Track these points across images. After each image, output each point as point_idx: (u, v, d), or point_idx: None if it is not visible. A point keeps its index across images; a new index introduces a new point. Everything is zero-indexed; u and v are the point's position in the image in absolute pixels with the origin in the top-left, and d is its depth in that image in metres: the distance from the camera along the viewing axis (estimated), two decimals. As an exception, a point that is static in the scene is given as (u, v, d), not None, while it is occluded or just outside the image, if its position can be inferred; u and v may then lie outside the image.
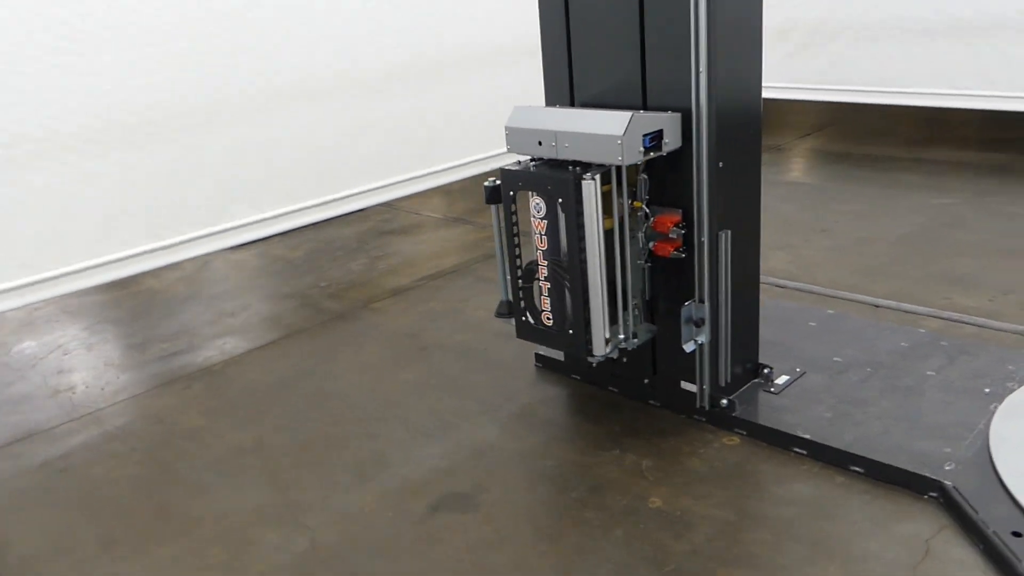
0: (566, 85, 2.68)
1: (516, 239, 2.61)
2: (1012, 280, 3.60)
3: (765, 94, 6.57)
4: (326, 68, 4.19)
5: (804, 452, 2.50)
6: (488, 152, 4.99)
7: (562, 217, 2.41)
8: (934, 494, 2.26)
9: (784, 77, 6.32)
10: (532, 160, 2.53)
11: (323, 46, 4.16)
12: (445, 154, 4.83)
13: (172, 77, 3.68)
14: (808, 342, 3.07)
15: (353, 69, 4.28)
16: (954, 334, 3.13)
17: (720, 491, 2.36)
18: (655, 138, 2.33)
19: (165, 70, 3.65)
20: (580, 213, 2.37)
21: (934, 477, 2.26)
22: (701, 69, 2.33)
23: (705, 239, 2.49)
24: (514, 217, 2.60)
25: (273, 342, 3.67)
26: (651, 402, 2.86)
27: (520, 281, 2.65)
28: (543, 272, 2.53)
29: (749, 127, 2.54)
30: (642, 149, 2.30)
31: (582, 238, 2.40)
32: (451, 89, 4.77)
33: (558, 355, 3.13)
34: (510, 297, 2.85)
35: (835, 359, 2.93)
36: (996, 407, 2.55)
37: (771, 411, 2.65)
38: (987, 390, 2.65)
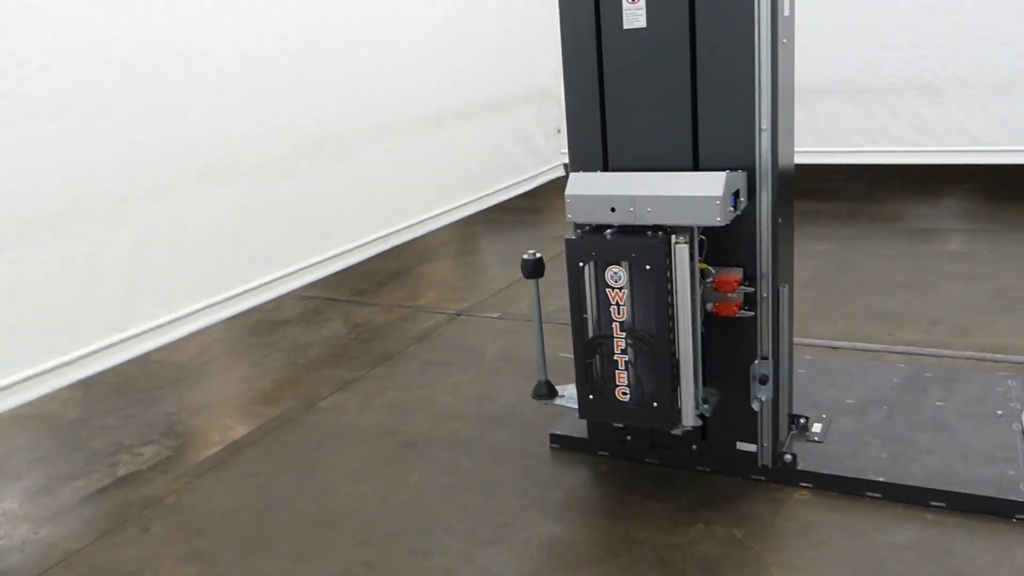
0: (598, 149, 2.58)
1: (584, 312, 2.44)
2: (930, 311, 3.94)
3: None
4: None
5: (879, 495, 2.52)
6: (387, 229, 4.74)
7: (649, 285, 2.28)
8: (1021, 516, 2.35)
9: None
10: (594, 228, 2.39)
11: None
12: (347, 233, 4.51)
13: (63, 164, 3.12)
14: (810, 387, 3.14)
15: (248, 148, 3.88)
16: (925, 365, 3.35)
17: (832, 552, 2.31)
18: (736, 197, 2.30)
19: (50, 157, 3.09)
20: (671, 279, 2.26)
21: (1019, 499, 2.36)
22: (764, 127, 2.34)
23: (768, 295, 2.47)
24: (588, 289, 2.42)
25: (223, 460, 3.15)
26: (699, 468, 2.76)
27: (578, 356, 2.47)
28: (619, 345, 2.38)
29: (791, 181, 2.59)
30: (731, 209, 2.25)
31: (672, 305, 2.28)
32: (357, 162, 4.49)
33: (581, 433, 2.96)
34: (548, 377, 2.66)
35: (847, 401, 3.02)
36: (1018, 427, 2.73)
37: (830, 459, 2.65)
38: (999, 412, 2.84)
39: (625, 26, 2.44)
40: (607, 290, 2.35)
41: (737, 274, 2.46)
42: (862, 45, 5.82)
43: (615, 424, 2.73)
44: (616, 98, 2.51)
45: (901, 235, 5.29)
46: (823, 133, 6.08)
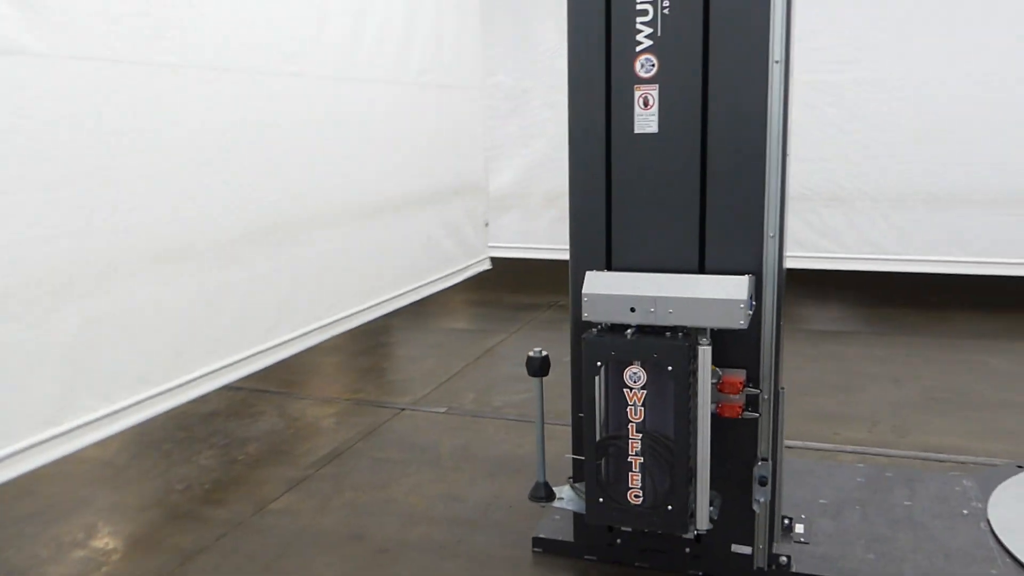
0: (602, 249, 2.60)
1: (604, 412, 2.39)
2: (867, 411, 4.12)
3: (534, 255, 6.94)
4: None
5: (875, 598, 2.55)
6: (323, 320, 4.57)
7: (670, 386, 2.28)
8: (1011, 616, 2.43)
9: (552, 239, 6.75)
10: (609, 327, 2.38)
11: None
12: (291, 323, 4.33)
13: (8, 242, 2.88)
14: (783, 488, 3.18)
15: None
16: (880, 464, 3.47)
17: (849, 655, 2.30)
18: (750, 300, 2.35)
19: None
20: (694, 381, 2.26)
21: (1008, 600, 2.44)
22: (772, 234, 2.43)
23: (769, 397, 2.51)
24: (601, 387, 2.39)
25: (172, 574, 2.86)
26: (692, 572, 2.72)
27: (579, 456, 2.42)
28: (634, 447, 2.34)
29: (784, 285, 2.67)
30: (749, 312, 2.30)
31: (692, 408, 2.28)
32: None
33: (566, 536, 2.87)
34: (546, 478, 2.59)
35: (821, 501, 3.08)
36: (984, 526, 2.85)
37: (821, 561, 2.68)
38: (964, 511, 2.96)
39: (636, 131, 2.50)
40: (624, 390, 2.32)
41: (741, 375, 2.49)
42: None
43: (622, 527, 2.66)
44: (623, 200, 2.55)
45: (819, 337, 5.55)
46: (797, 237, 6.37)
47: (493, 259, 6.63)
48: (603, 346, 2.33)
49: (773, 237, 2.43)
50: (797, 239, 6.21)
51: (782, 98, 2.37)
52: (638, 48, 2.46)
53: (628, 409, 2.33)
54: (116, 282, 3.23)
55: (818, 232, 6.19)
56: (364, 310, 4.92)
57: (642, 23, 2.44)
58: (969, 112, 5.64)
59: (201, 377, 3.67)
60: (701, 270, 2.50)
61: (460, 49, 6.00)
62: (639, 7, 2.43)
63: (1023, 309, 5.95)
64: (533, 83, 6.68)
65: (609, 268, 2.59)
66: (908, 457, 3.57)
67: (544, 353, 2.58)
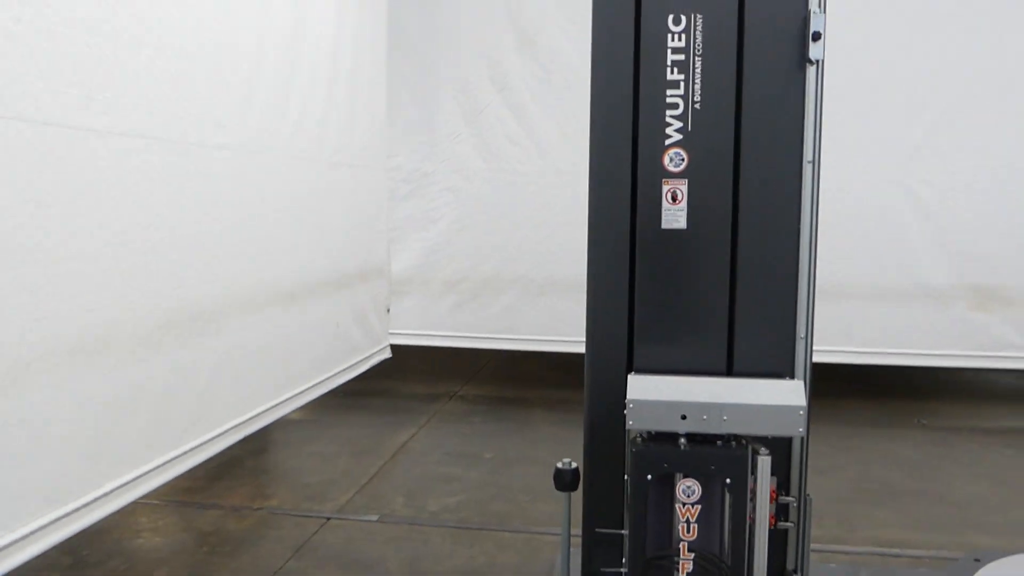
0: (623, 349, 2.45)
1: (644, 525, 2.19)
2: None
3: (434, 343, 6.71)
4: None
5: None
6: (229, 423, 4.11)
7: (727, 500, 2.12)
8: None
9: (453, 326, 6.54)
10: (654, 436, 2.21)
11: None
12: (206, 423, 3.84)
13: None
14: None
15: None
16: (844, 560, 3.45)
17: None
18: (796, 405, 2.26)
19: None
20: (754, 494, 2.12)
21: None
22: (802, 335, 2.37)
23: (800, 505, 2.41)
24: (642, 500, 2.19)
25: None
26: None
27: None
28: (685, 567, 2.15)
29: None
30: (806, 418, 2.20)
31: (752, 522, 2.13)
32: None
33: (572, 665, 2.60)
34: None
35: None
36: (976, 626, 2.86)
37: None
38: (949, 610, 2.96)
39: (663, 226, 2.39)
40: (678, 505, 2.14)
41: (773, 483, 2.37)
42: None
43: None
44: (649, 299, 2.42)
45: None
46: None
47: (392, 347, 6.32)
48: (655, 457, 2.15)
49: (804, 338, 2.36)
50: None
51: (813, 198, 2.34)
52: (667, 142, 2.37)
53: (681, 526, 2.14)
54: (25, 382, 2.72)
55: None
56: (277, 404, 4.48)
57: (672, 116, 2.36)
58: (853, 208, 6.00)
59: (114, 490, 3.14)
60: (729, 372, 2.38)
61: (369, 128, 5.79)
62: (669, 100, 2.35)
63: (906, 396, 6.30)
64: (434, 167, 6.54)
65: (630, 370, 2.43)
66: (866, 552, 3.57)
67: (575, 465, 2.35)
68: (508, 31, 6.34)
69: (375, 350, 6.01)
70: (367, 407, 5.91)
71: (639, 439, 2.22)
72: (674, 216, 2.38)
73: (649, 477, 2.16)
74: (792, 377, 2.35)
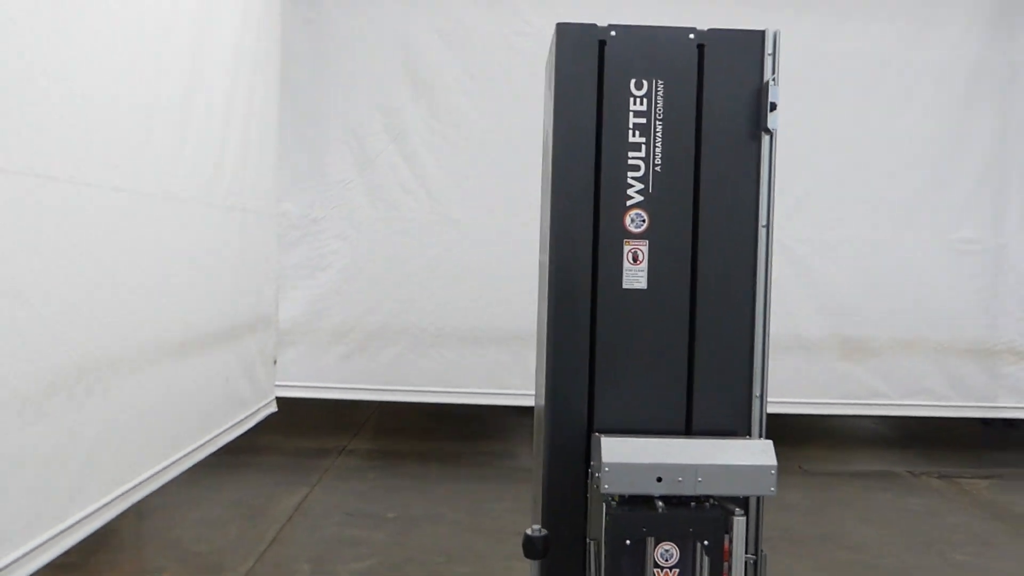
0: (583, 409, 2.42)
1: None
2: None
3: (321, 395, 6.50)
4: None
5: None
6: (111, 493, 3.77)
7: (704, 563, 2.12)
8: None
9: (340, 377, 6.33)
10: (628, 499, 2.19)
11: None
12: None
13: None
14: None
15: None
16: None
17: None
18: (759, 463, 2.30)
19: None
20: (729, 555, 2.13)
21: None
22: (757, 394, 2.43)
23: (758, 562, 2.45)
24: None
25: None
26: None
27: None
28: (662, 632, 2.12)
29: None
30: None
31: (725, 583, 2.14)
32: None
33: None
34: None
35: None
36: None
37: None
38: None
39: (624, 286, 2.40)
40: (655, 570, 2.11)
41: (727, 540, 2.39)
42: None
43: None
44: (609, 358, 2.41)
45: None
46: (531, 376, 6.42)
47: (278, 399, 6.02)
48: (634, 522, 2.12)
49: (759, 396, 2.42)
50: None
51: (767, 260, 2.42)
52: (628, 203, 2.40)
53: (658, 591, 2.11)
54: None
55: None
56: (166, 467, 4.14)
57: (633, 178, 2.39)
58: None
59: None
60: (687, 431, 2.41)
61: (261, 171, 5.57)
62: (631, 162, 2.38)
63: (784, 443, 6.59)
64: (324, 213, 6.36)
65: (591, 429, 2.41)
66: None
67: (544, 532, 2.28)
68: (403, 80, 6.30)
69: (262, 404, 5.70)
70: (256, 465, 5.58)
71: (613, 503, 2.19)
72: (635, 277, 2.39)
73: (627, 542, 2.12)
74: (748, 435, 2.39)
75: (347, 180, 6.36)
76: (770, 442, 2.25)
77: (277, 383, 6.05)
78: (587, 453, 2.39)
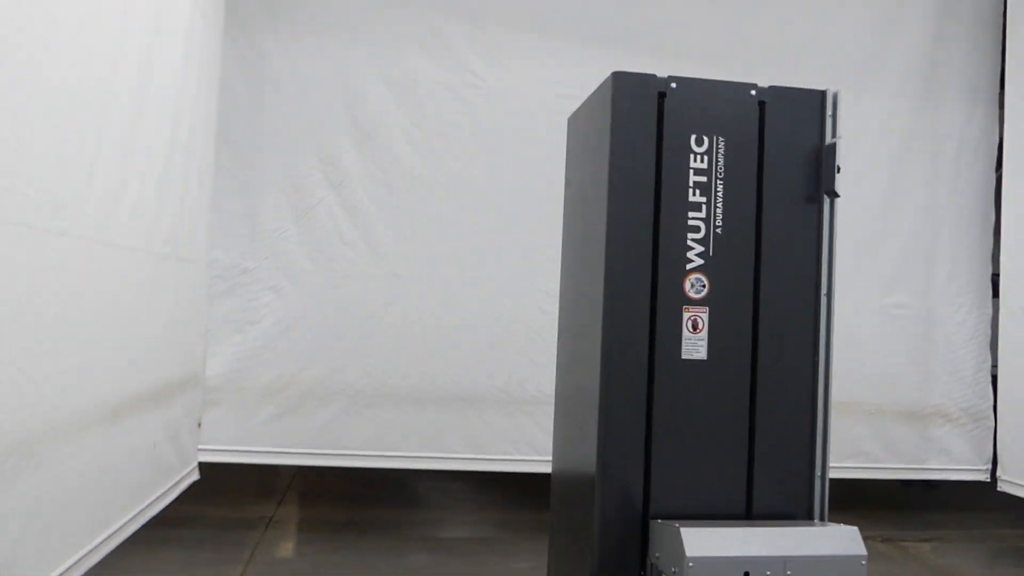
0: (639, 490, 2.21)
1: None
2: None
3: (250, 459, 6.06)
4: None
5: None
6: None
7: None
8: None
9: (270, 440, 5.86)
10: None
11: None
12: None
13: None
14: None
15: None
16: None
17: None
18: (835, 552, 2.13)
19: None
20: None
21: None
22: (819, 474, 2.27)
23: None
24: None
25: None
26: None
27: None
28: None
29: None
30: (852, 567, 2.07)
31: None
32: None
33: None
34: None
35: None
36: None
37: None
38: None
39: (683, 356, 2.21)
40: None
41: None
42: (511, 359, 6.17)
43: None
44: (668, 436, 2.21)
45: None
46: (475, 440, 6.13)
47: (200, 464, 5.50)
48: (723, 624, 1.89)
49: (820, 476, 2.26)
50: (534, 444, 6.15)
51: (828, 331, 2.28)
52: (688, 266, 2.22)
53: None
54: None
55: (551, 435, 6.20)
56: (89, 552, 3.63)
57: (693, 240, 2.22)
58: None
59: None
60: (748, 515, 2.21)
61: (195, 217, 5.14)
62: (691, 223, 2.21)
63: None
64: (256, 263, 5.94)
65: (646, 514, 2.18)
66: None
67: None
68: (346, 126, 6.02)
69: (186, 471, 5.18)
70: (178, 541, 5.02)
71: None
72: (695, 346, 2.21)
73: (716, 646, 1.89)
74: (810, 516, 2.22)
75: (282, 229, 5.98)
76: (856, 529, 2.08)
77: (201, 446, 5.53)
78: (644, 540, 2.16)
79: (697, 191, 2.20)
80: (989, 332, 6.46)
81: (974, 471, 6.48)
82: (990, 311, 6.47)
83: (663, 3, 6.22)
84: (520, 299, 6.17)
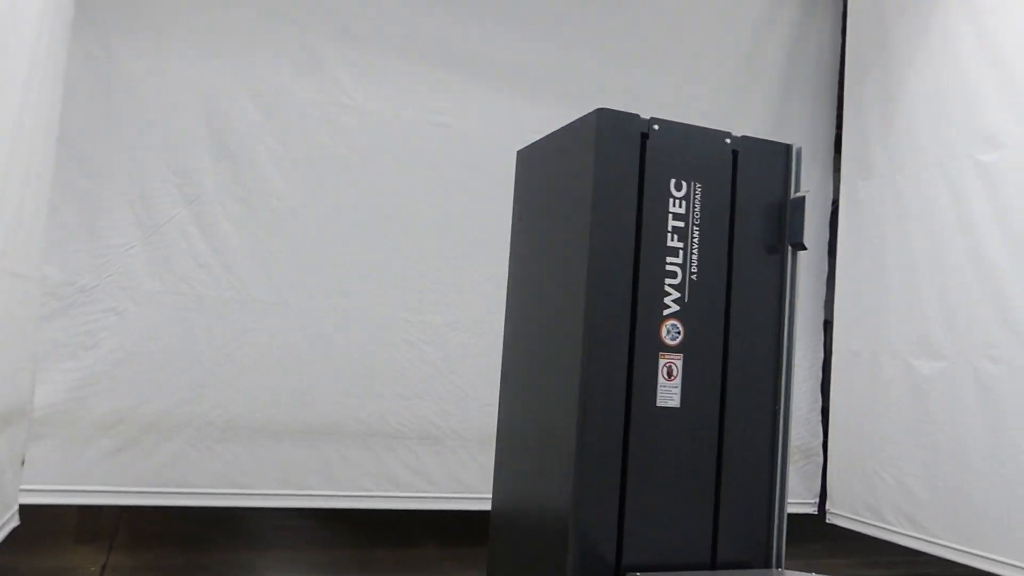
0: (612, 543, 2.14)
1: None
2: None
3: (81, 500, 5.50)
4: None
5: None
6: None
7: None
8: None
9: (104, 478, 5.28)
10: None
11: None
12: None
13: None
14: None
15: None
16: None
17: None
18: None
19: None
20: None
21: None
22: (776, 522, 2.31)
23: None
24: None
25: None
26: None
27: None
28: None
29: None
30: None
31: None
32: None
33: None
34: None
35: None
36: None
37: None
38: None
39: (659, 403, 2.18)
40: None
41: None
42: (374, 391, 5.94)
43: None
44: (642, 484, 2.16)
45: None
46: (332, 476, 5.85)
47: (22, 507, 4.84)
48: None
49: (778, 525, 2.29)
50: (393, 477, 5.95)
51: (787, 379, 2.34)
52: (665, 312, 2.20)
53: None
54: None
55: (414, 471, 6.03)
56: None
57: (670, 285, 2.20)
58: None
59: None
60: (713, 563, 2.21)
61: (34, 228, 4.57)
62: (668, 268, 2.20)
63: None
64: (96, 282, 5.38)
65: (619, 565, 2.11)
66: None
67: None
68: (205, 139, 5.61)
69: (6, 517, 4.53)
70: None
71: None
72: (669, 393, 2.18)
73: None
74: (770, 565, 2.25)
75: (128, 245, 5.46)
76: (814, 577, 2.11)
77: (24, 487, 4.87)
78: (616, 583, 2.09)
79: (675, 236, 2.19)
80: (820, 375, 6.99)
81: (804, 504, 6.96)
82: (822, 355, 7.00)
83: (528, 36, 6.29)
84: (385, 330, 6.00)
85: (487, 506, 6.07)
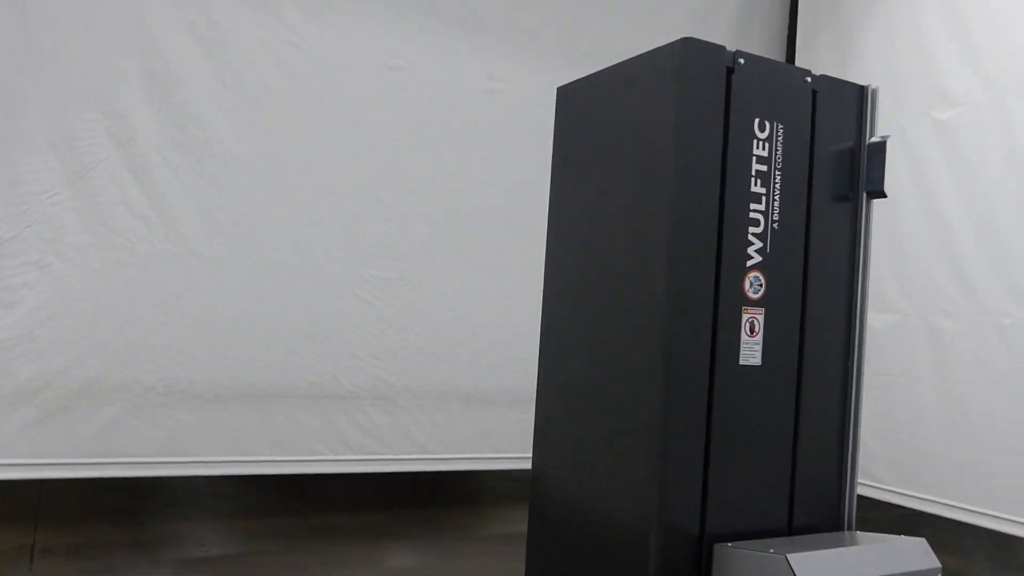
0: (696, 506, 1.99)
1: None
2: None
3: (34, 474, 5.07)
4: None
5: None
6: None
7: None
8: None
9: (27, 451, 4.82)
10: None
11: None
12: None
13: None
14: None
15: None
16: None
17: None
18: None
19: None
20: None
21: None
22: (848, 484, 2.22)
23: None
24: None
25: None
26: None
27: None
28: None
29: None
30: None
31: None
32: None
33: None
34: None
35: None
36: None
37: None
38: None
39: (741, 362, 2.03)
40: None
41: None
42: (326, 351, 5.64)
43: None
44: (725, 447, 2.02)
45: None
46: (281, 440, 5.54)
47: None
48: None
49: (850, 487, 2.20)
50: (345, 440, 5.69)
51: (860, 336, 2.22)
52: (748, 263, 2.03)
53: None
54: None
55: (367, 433, 5.78)
56: None
57: (753, 235, 2.03)
58: (499, 317, 6.07)
59: None
60: (789, 530, 2.09)
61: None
62: (752, 216, 2.03)
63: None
64: (14, 232, 4.83)
65: (703, 532, 1.97)
66: None
67: None
68: (138, 78, 5.09)
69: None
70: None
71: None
72: (751, 351, 2.03)
73: None
74: (842, 529, 2.15)
75: (51, 192, 4.92)
76: (924, 540, 2.01)
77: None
78: (699, 565, 1.94)
79: (758, 181, 2.02)
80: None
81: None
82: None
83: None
84: (338, 286, 5.67)
85: (443, 467, 5.92)
